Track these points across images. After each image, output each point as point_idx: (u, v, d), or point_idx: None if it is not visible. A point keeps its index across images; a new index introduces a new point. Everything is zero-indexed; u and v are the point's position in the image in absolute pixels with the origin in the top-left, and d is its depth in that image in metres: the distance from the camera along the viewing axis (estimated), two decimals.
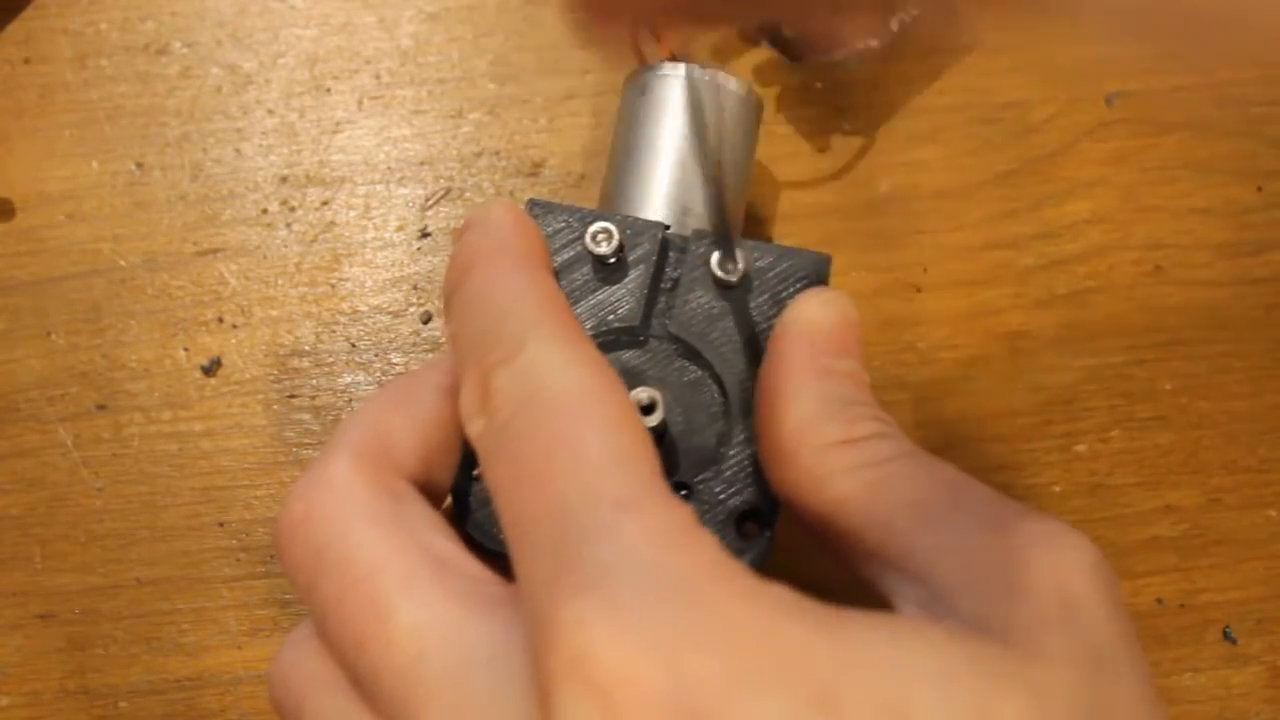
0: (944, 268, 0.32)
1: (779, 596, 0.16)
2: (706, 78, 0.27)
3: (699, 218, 0.26)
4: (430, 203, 0.33)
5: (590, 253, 0.23)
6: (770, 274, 0.23)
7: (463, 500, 0.22)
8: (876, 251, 0.33)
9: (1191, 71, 0.35)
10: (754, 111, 0.28)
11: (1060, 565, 0.17)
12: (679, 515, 0.16)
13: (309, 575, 0.19)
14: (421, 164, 0.34)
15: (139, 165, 0.34)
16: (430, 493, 0.21)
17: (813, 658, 0.15)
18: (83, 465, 0.30)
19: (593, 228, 0.23)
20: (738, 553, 0.22)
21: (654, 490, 0.17)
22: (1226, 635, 0.29)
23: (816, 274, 0.23)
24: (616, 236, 0.23)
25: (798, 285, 0.23)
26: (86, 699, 0.28)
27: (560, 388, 0.18)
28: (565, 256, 0.24)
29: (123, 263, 0.33)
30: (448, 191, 0.33)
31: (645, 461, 0.17)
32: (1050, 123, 0.34)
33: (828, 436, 0.20)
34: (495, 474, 0.18)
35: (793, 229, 0.33)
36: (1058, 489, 0.30)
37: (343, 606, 0.18)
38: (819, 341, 0.21)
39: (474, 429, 0.19)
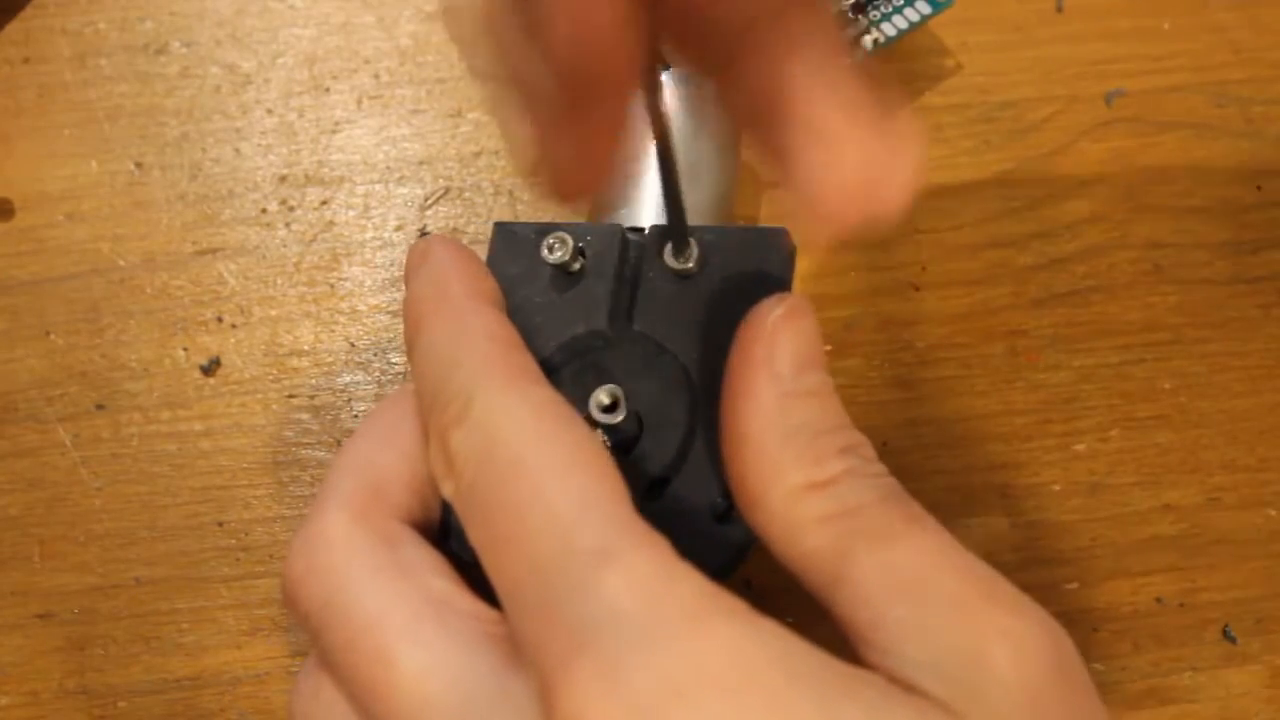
0: (943, 267, 0.32)
1: (766, 639, 0.16)
2: (679, 75, 0.27)
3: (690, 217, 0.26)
4: (429, 202, 0.33)
5: (549, 264, 0.23)
6: (726, 255, 0.23)
7: (443, 519, 0.22)
8: (875, 250, 0.33)
9: (1191, 71, 0.35)
10: None
11: (1022, 662, 0.17)
12: (656, 555, 0.16)
13: (316, 626, 0.19)
14: (420, 163, 0.34)
15: (138, 165, 0.34)
16: (429, 520, 0.21)
17: (794, 714, 0.15)
18: (82, 465, 0.30)
19: (547, 239, 0.23)
20: (717, 544, 0.21)
21: (626, 530, 0.17)
22: (1226, 635, 0.29)
23: (773, 248, 0.23)
24: (570, 243, 0.23)
25: (756, 262, 0.23)
26: (86, 699, 0.28)
27: (513, 440, 0.18)
28: (525, 272, 0.24)
29: (122, 262, 0.33)
30: (447, 191, 0.33)
31: (613, 498, 0.17)
32: (1049, 122, 0.34)
33: (793, 480, 0.18)
34: (474, 537, 0.18)
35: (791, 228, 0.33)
36: (1057, 488, 0.30)
37: (350, 654, 0.18)
38: (777, 366, 0.19)
39: (446, 492, 0.19)
